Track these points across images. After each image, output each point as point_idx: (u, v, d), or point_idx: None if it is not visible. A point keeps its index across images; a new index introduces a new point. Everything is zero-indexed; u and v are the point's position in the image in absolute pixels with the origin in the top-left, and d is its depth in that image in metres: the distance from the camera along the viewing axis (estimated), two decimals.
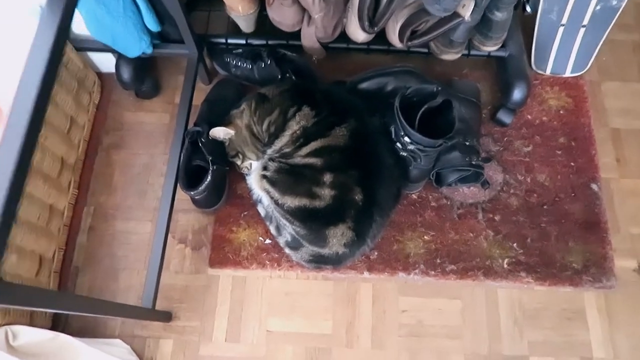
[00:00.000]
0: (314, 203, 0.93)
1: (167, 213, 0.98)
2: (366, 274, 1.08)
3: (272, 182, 0.97)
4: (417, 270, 1.09)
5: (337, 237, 0.95)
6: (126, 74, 1.17)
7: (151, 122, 1.25)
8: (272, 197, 0.97)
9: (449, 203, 1.15)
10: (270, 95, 1.03)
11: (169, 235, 1.10)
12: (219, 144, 1.07)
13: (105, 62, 1.24)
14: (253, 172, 1.06)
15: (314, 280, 1.09)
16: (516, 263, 1.10)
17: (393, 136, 1.00)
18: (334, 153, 0.94)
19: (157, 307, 0.96)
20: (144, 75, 1.21)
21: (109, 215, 1.15)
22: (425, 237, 1.12)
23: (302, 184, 0.94)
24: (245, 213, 1.14)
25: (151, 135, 1.23)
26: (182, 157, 1.02)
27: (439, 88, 0.99)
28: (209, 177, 1.01)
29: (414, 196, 1.16)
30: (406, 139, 0.95)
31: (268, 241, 1.11)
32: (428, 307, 1.07)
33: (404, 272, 1.09)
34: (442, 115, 0.99)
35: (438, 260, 1.10)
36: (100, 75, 1.27)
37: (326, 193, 0.93)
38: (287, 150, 0.97)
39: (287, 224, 0.98)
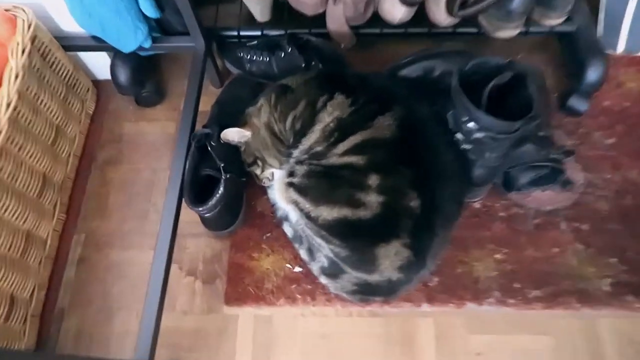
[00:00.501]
0: (357, 213, 0.71)
1: (168, 237, 0.78)
2: (425, 307, 0.85)
3: (301, 190, 0.76)
4: (490, 299, 0.84)
5: (390, 258, 0.72)
6: (123, 75, 0.99)
7: (154, 132, 1.07)
8: (302, 210, 0.76)
9: (522, 211, 0.92)
10: (293, 85, 0.84)
11: (174, 266, 0.89)
12: (232, 149, 0.87)
13: (102, 68, 1.08)
14: (276, 182, 0.85)
15: (358, 318, 0.85)
16: (619, 284, 0.85)
17: (451, 125, 0.79)
18: (379, 148, 0.73)
19: (159, 358, 0.74)
20: (145, 78, 1.04)
21: (103, 243, 0.95)
22: (496, 255, 0.88)
23: (341, 189, 0.72)
24: (268, 235, 0.92)
25: (154, 147, 1.04)
26: (187, 166, 0.82)
27: (507, 60, 0.77)
28: (221, 189, 0.81)
29: (477, 204, 0.93)
30: (471, 125, 0.73)
31: (298, 269, 0.89)
32: (509, 346, 0.82)
33: (473, 302, 0.84)
34: (512, 95, 0.77)
35: (517, 285, 0.85)
36: (96, 83, 1.11)
37: (373, 200, 0.71)
38: (318, 149, 0.77)
39: (323, 243, 0.76)
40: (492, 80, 0.74)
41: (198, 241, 0.93)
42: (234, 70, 1.05)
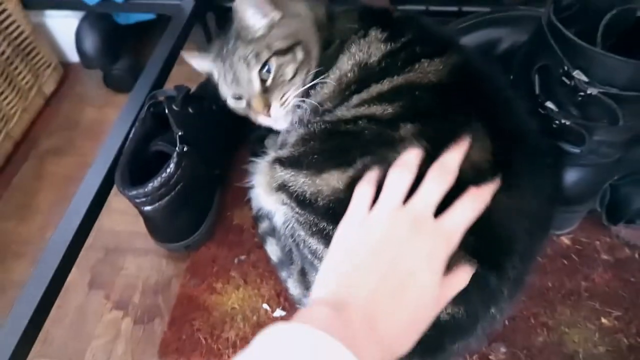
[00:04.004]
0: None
1: (71, 231, 0.49)
2: None
3: (292, 161, 0.46)
4: None
5: None
6: (90, 41, 0.79)
7: None
8: (292, 195, 0.45)
9: (636, 255, 0.59)
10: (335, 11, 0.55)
11: (99, 294, 0.60)
12: (202, 123, 0.60)
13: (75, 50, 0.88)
14: (259, 174, 0.55)
15: None
16: None
17: (538, 89, 0.50)
18: (417, 93, 0.45)
19: None
20: (118, 50, 0.82)
21: (9, 252, 0.67)
22: (603, 319, 0.54)
23: (357, 145, 0.43)
24: (243, 258, 0.62)
25: None
26: (132, 135, 0.56)
27: None
28: (172, 166, 0.53)
29: (566, 240, 0.60)
30: (577, 74, 0.44)
31: (280, 312, 0.57)
32: None
33: None
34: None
35: None
36: (67, 66, 0.90)
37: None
38: (327, 106, 0.49)
39: (320, 247, 0.45)
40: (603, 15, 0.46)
41: (142, 260, 0.64)
42: None
